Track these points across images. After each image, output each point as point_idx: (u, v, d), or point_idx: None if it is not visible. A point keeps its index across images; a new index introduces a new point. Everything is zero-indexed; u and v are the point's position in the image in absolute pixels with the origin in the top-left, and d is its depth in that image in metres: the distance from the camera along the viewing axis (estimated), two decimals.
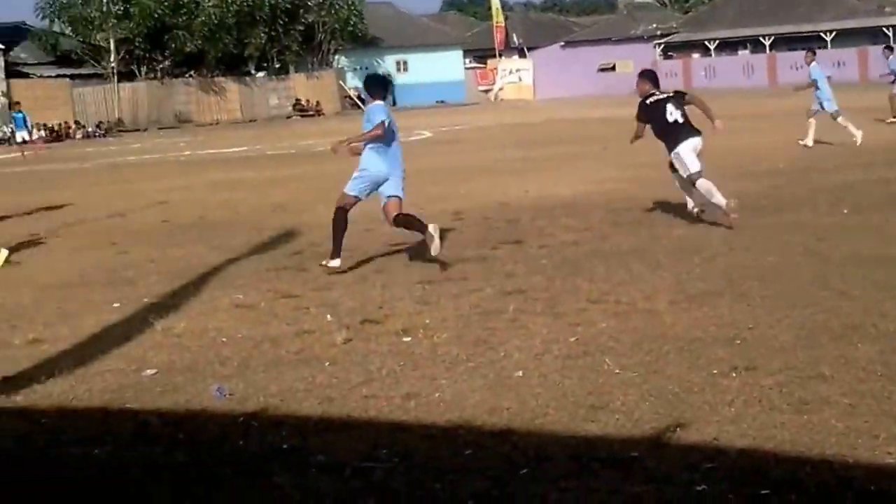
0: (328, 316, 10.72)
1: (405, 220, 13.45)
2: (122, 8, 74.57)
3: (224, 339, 10.06)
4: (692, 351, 8.59)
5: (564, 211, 17.33)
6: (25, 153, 45.71)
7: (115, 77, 74.05)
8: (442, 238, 13.21)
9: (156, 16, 74.46)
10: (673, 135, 15.24)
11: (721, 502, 5.73)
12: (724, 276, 11.57)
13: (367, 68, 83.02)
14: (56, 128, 67.70)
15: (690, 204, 15.43)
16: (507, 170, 25.29)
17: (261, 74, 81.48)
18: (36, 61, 75.29)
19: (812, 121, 26.55)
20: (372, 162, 13.40)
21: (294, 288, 12.41)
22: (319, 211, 19.32)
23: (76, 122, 69.72)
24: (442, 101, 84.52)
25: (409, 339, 9.61)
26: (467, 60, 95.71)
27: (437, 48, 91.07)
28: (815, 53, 29.23)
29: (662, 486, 5.91)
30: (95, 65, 74.99)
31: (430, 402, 7.70)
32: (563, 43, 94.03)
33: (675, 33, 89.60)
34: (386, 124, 13.12)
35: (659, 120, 15.31)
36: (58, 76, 73.08)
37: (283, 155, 38.26)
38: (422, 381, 8.23)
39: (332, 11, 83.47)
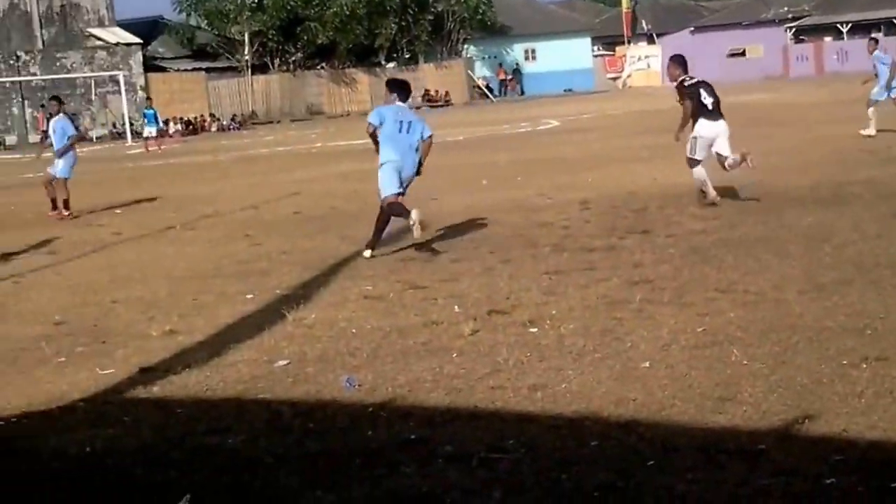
0: (455, 307, 10.81)
1: (391, 209, 14.42)
2: (256, 1, 75.44)
3: (354, 330, 10.19)
4: (821, 341, 8.52)
5: (692, 199, 17.21)
6: (150, 149, 46.84)
7: (249, 70, 74.94)
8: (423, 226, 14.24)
9: (289, 8, 75.22)
10: (701, 116, 16.44)
11: (850, 495, 5.67)
12: (854, 264, 11.44)
13: (495, 57, 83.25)
14: (192, 121, 68.72)
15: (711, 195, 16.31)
16: (635, 158, 25.17)
17: (391, 65, 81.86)
18: (173, 55, 76.51)
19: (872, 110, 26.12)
20: (386, 154, 14.42)
21: (422, 279, 12.53)
22: (448, 200, 19.51)
23: (211, 115, 70.73)
24: (570, 90, 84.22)
25: (535, 329, 9.66)
26: (596, 48, 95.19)
27: (565, 35, 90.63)
28: (877, 41, 28.97)
29: (790, 479, 5.87)
30: (230, 58, 75.97)
31: (557, 392, 7.74)
32: (692, 28, 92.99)
33: (806, 16, 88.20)
34: (374, 126, 14.36)
35: (694, 101, 16.38)
36: (194, 69, 74.17)
37: None
38: (548, 371, 8.27)
39: (463, 1, 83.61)
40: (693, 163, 16.40)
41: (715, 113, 16.49)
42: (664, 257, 12.74)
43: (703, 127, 16.38)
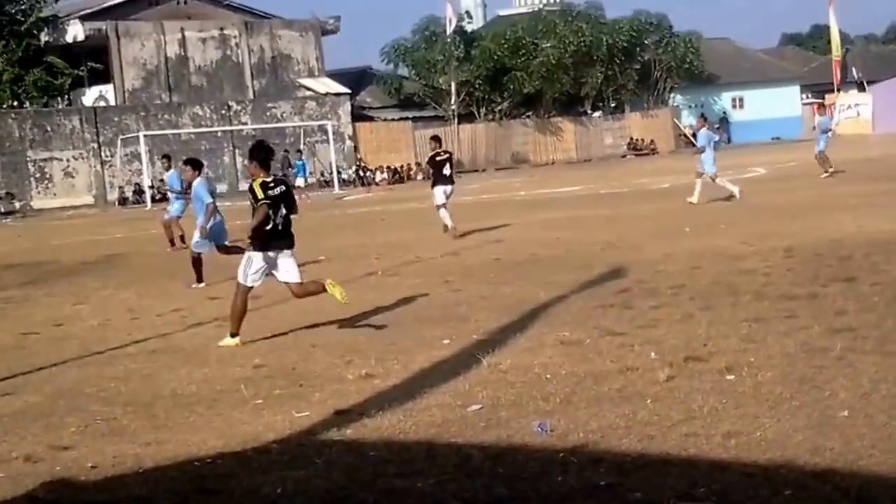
0: (652, 353, 10.70)
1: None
2: (463, 51, 76.21)
3: (548, 376, 10.17)
4: None
5: None
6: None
7: (455, 119, 75.61)
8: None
9: (495, 58, 75.81)
10: None
11: None
12: None
13: (702, 106, 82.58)
14: (398, 169, 69.56)
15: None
16: (841, 206, 24.64)
17: (596, 114, 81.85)
18: (380, 104, 77.65)
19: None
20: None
21: (619, 325, 12.44)
22: (649, 249, 19.40)
23: (417, 164, 71.54)
24: (778, 138, 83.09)
25: (732, 376, 9.51)
26: (804, 95, 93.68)
27: (774, 83, 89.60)
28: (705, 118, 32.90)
29: None
30: (436, 107, 76.79)
31: (751, 440, 7.60)
32: None
33: None
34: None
35: None
36: (401, 119, 75.14)
37: (616, 194, 38.31)
38: (743, 419, 8.13)
39: (669, 49, 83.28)
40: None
41: None
42: (868, 305, 12.44)
43: None
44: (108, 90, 67.25)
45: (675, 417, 8.31)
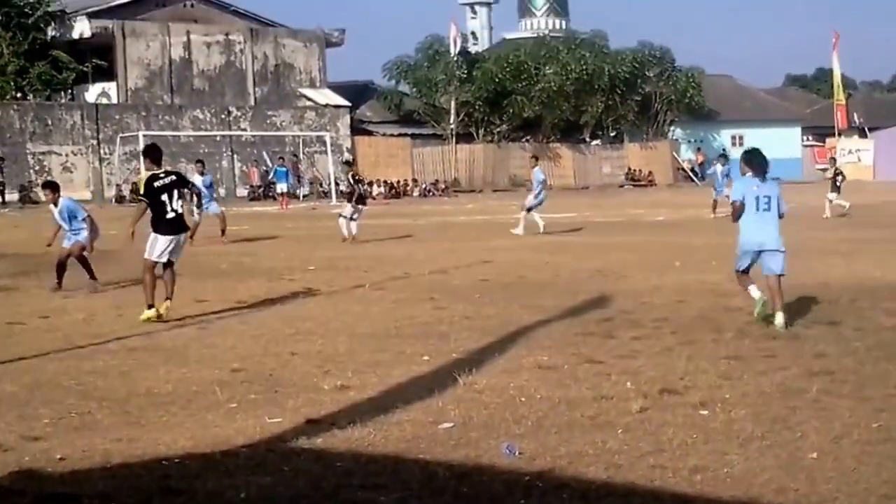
0: (628, 383, 10.71)
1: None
2: (466, 72, 76.33)
3: (522, 399, 10.18)
4: None
5: (889, 294, 16.82)
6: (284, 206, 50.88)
7: (454, 138, 75.72)
8: None
9: (497, 80, 75.92)
10: None
11: None
12: None
13: (701, 141, 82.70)
14: (395, 185, 69.64)
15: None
16: (833, 250, 24.66)
17: (595, 142, 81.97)
18: (380, 119, 77.74)
19: None
20: None
21: (598, 353, 12.43)
22: (636, 279, 19.43)
23: (413, 180, 71.61)
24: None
25: (705, 412, 9.52)
26: (805, 138, 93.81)
27: (775, 123, 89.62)
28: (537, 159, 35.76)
29: None
30: (436, 125, 76.90)
31: (718, 477, 7.62)
32: None
33: None
34: None
35: None
36: (400, 135, 75.24)
37: (611, 223, 38.40)
38: (712, 455, 8.14)
39: (671, 82, 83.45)
40: None
41: None
42: (849, 350, 12.44)
43: None
44: (111, 88, 67.42)
45: (644, 448, 8.32)
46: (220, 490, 7.45)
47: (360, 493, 7.34)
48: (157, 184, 15.75)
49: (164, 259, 15.79)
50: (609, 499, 7.17)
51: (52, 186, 20.39)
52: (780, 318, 13.96)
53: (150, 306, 15.46)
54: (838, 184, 39.16)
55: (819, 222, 34.68)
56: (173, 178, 16.12)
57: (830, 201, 38.54)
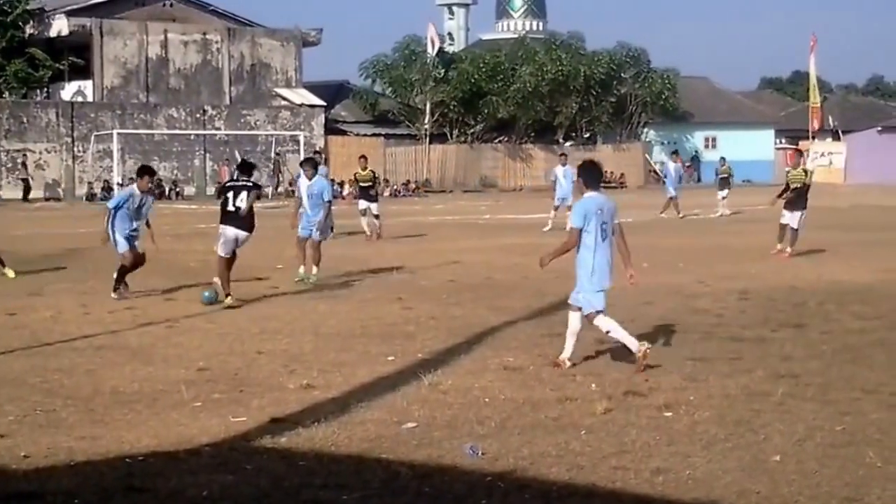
0: (593, 385, 10.75)
1: None
2: (441, 72, 76.28)
3: (487, 399, 10.21)
4: None
5: (856, 297, 16.91)
6: None
7: (427, 138, 75.64)
8: None
9: (472, 81, 75.81)
10: None
11: None
12: None
13: (675, 143, 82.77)
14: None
15: None
16: (804, 253, 24.73)
17: (568, 143, 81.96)
18: (354, 119, 77.56)
19: None
20: None
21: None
22: None
23: (385, 180, 71.49)
24: (748, 181, 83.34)
25: (669, 413, 9.56)
26: (779, 140, 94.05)
27: (748, 126, 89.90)
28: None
29: None
30: (410, 125, 76.79)
31: (679, 478, 7.65)
32: (880, 128, 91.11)
33: None
34: None
35: None
36: (373, 135, 75.12)
37: None
38: (675, 456, 8.17)
39: (646, 84, 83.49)
40: None
41: None
42: (815, 353, 12.52)
43: None
44: (87, 86, 67.13)
45: (607, 450, 8.35)
46: (183, 488, 7.46)
47: (323, 493, 7.35)
48: None
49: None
50: (571, 499, 7.20)
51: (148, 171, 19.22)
52: None
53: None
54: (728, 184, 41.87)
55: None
56: None
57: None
